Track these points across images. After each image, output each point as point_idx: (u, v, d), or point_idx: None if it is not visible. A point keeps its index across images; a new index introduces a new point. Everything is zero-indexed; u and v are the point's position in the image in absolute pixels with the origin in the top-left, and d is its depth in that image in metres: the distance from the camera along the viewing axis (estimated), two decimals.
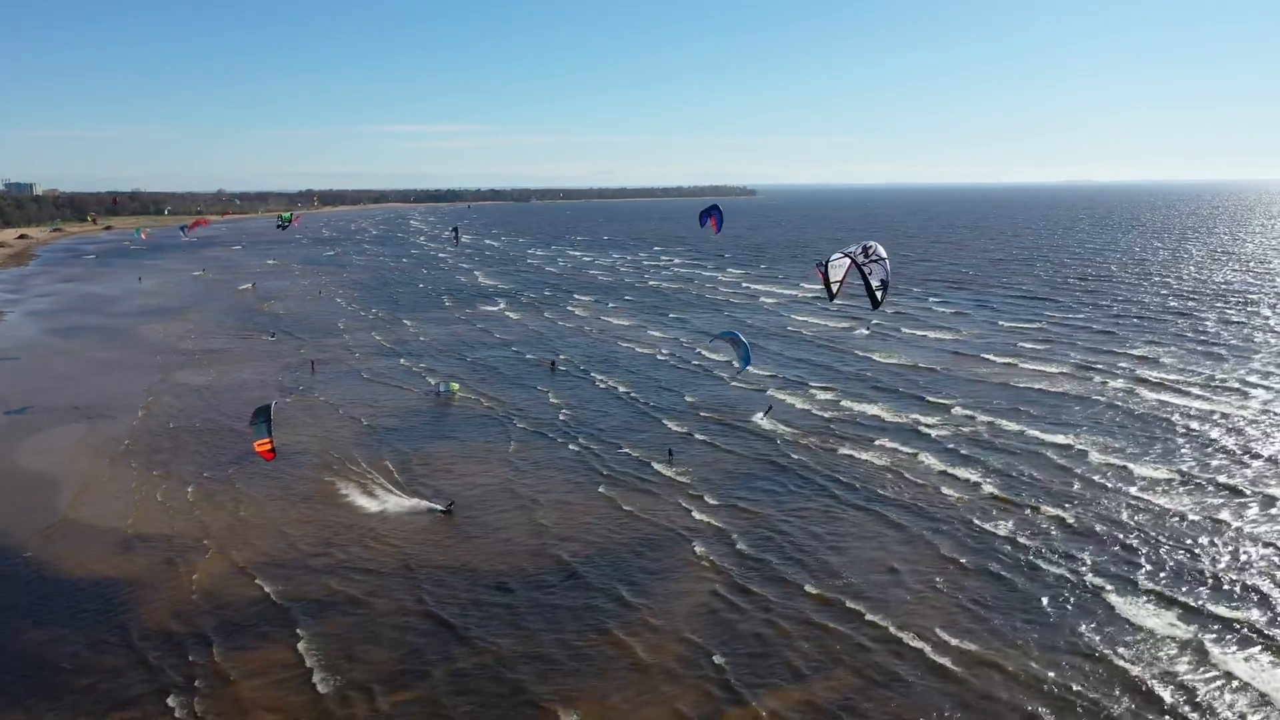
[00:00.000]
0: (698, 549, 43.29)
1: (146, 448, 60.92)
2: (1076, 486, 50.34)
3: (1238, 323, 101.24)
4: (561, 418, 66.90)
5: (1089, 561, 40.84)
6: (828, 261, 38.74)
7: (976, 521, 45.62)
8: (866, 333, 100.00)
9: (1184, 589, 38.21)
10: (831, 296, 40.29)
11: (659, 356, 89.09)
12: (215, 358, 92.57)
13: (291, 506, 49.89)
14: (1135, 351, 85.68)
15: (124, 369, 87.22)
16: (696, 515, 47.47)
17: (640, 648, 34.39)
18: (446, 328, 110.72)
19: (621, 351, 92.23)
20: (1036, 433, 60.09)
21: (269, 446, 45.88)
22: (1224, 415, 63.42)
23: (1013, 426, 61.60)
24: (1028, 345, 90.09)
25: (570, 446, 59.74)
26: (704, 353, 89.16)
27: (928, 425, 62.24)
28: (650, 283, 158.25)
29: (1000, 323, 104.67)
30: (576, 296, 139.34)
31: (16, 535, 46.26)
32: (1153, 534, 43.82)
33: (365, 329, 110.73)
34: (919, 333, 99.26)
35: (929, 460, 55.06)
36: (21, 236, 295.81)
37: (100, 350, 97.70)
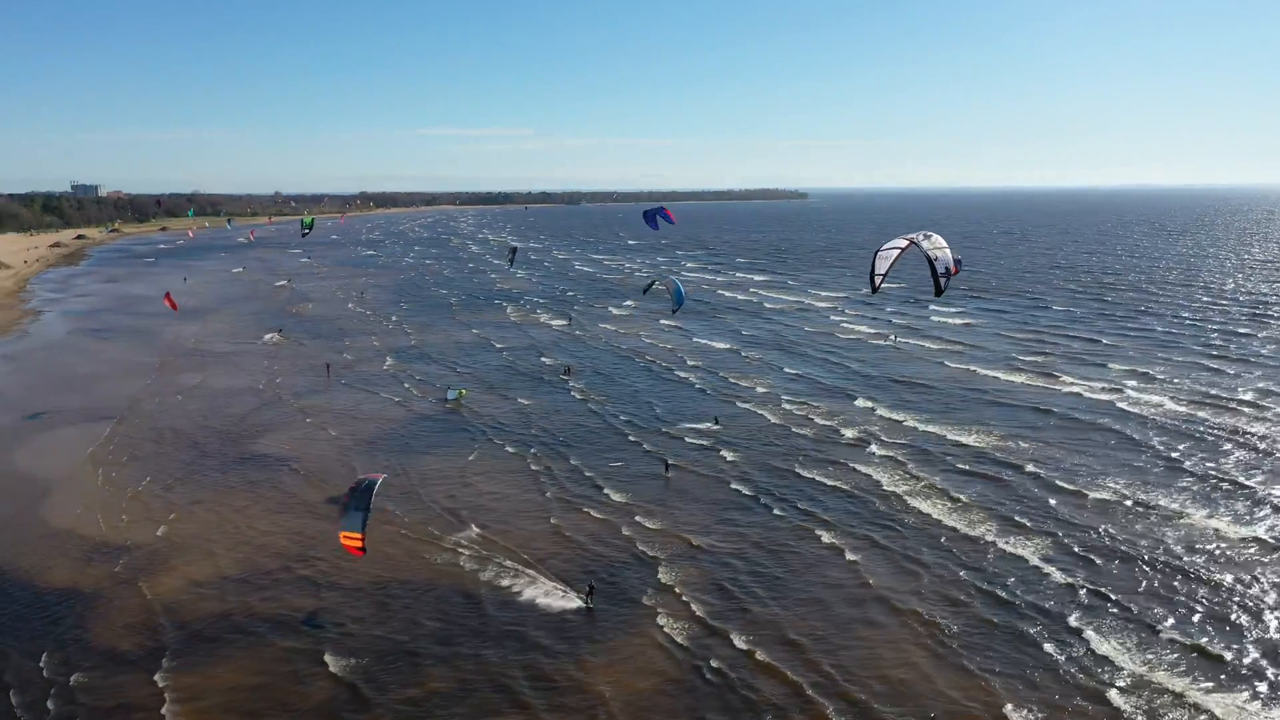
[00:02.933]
0: (663, 576, 40.53)
1: (138, 452, 59.92)
2: (1090, 517, 46.56)
3: None
4: (562, 425, 64.69)
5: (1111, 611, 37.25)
6: (876, 252, 36.66)
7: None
8: (891, 339, 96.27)
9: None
10: (874, 289, 38.03)
11: (671, 362, 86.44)
12: (233, 361, 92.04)
13: (269, 518, 48.16)
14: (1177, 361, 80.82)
15: (138, 372, 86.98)
16: (670, 540, 44.71)
17: (575, 699, 31.87)
18: (470, 331, 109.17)
19: (637, 356, 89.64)
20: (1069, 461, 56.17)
21: (359, 544, 34.34)
22: None
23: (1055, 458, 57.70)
24: (1078, 361, 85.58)
25: (571, 452, 57.49)
26: (746, 354, 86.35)
27: (945, 440, 58.72)
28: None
29: (1044, 333, 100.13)
30: (605, 301, 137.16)
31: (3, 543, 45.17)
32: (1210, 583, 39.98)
33: (388, 332, 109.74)
34: (934, 343, 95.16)
35: (946, 481, 51.59)
36: (79, 237, 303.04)
37: (120, 352, 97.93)
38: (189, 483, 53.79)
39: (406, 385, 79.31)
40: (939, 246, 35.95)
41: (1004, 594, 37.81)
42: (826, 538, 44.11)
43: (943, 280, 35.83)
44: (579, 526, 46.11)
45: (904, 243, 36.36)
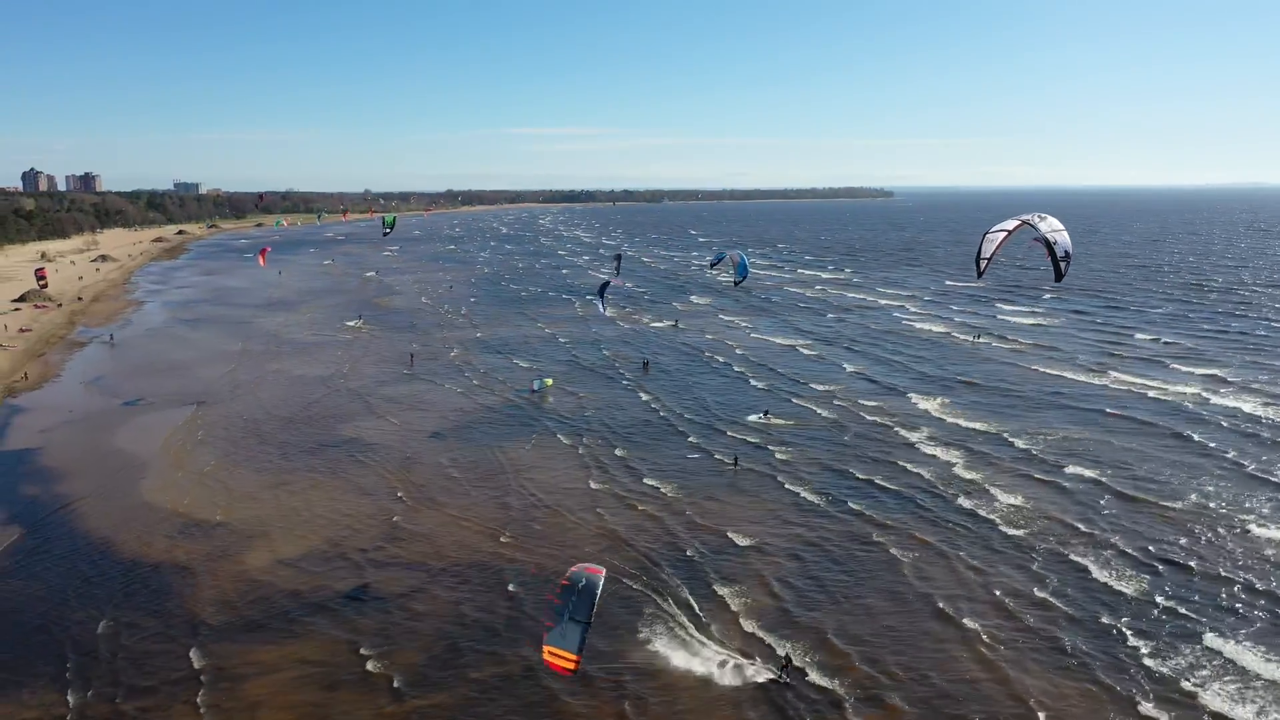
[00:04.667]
0: (750, 560, 39.79)
1: (230, 436, 61.65)
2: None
3: None
4: (643, 417, 64.44)
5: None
6: (984, 235, 35.45)
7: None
8: (974, 340, 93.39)
9: None
10: (980, 273, 36.81)
11: (752, 357, 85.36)
12: (316, 350, 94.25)
13: (350, 501, 48.94)
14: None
15: (227, 359, 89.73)
16: (770, 522, 43.94)
17: (698, 665, 31.70)
18: (550, 325, 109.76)
19: (707, 352, 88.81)
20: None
21: (572, 665, 25.44)
22: None
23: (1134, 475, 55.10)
24: (1168, 366, 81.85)
25: (647, 445, 57.16)
26: (801, 351, 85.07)
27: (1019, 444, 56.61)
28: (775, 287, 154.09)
29: (1122, 334, 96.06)
30: (689, 296, 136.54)
31: (94, 515, 46.95)
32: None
33: (470, 324, 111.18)
34: (1010, 342, 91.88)
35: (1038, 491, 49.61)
36: (180, 232, 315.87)
37: (217, 340, 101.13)
38: (277, 465, 55.09)
39: (488, 374, 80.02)
40: (1056, 229, 34.17)
41: (1063, 602, 36.18)
42: (885, 537, 42.81)
43: (1063, 264, 34.10)
44: (641, 519, 45.71)
45: (1014, 224, 34.80)
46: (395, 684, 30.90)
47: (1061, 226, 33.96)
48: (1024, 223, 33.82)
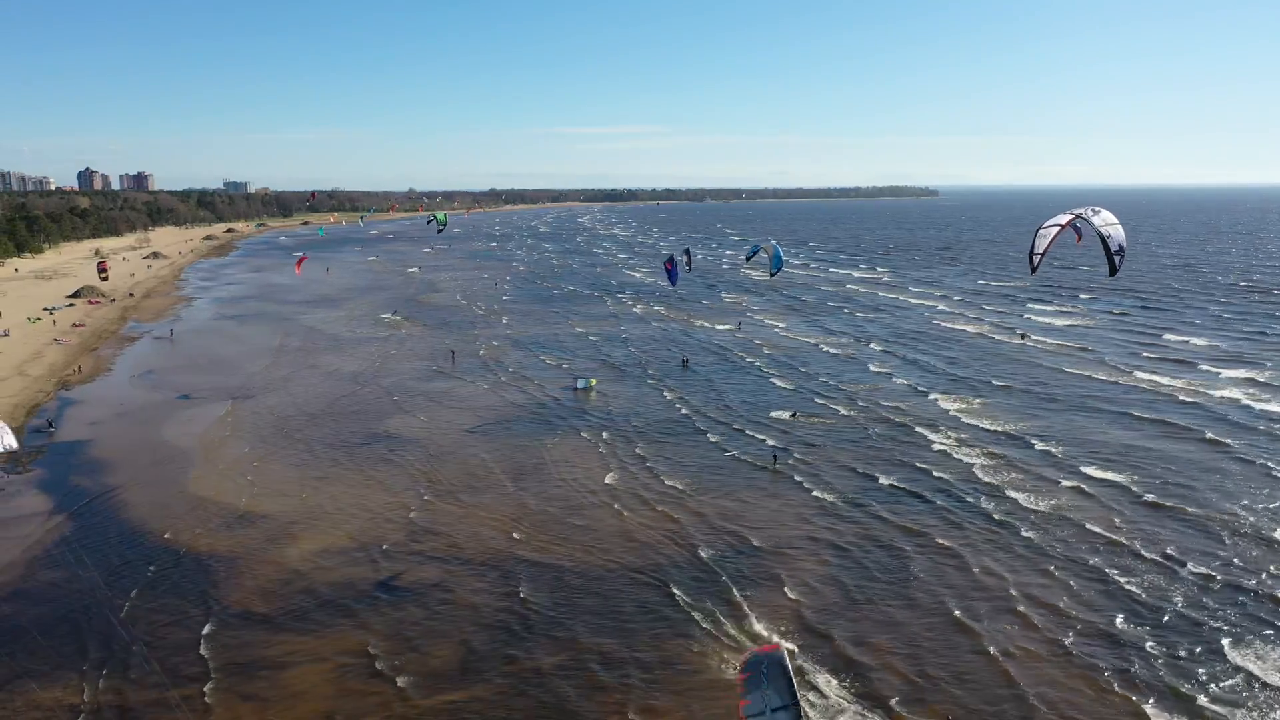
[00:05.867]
0: (798, 563, 39.40)
1: (265, 430, 62.42)
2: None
3: None
4: (683, 413, 64.28)
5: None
6: (1037, 230, 34.81)
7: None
8: (1022, 338, 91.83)
9: None
10: (1033, 269, 36.15)
11: (760, 357, 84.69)
12: (356, 346, 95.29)
13: (400, 493, 49.28)
14: None
15: (269, 354, 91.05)
16: (803, 524, 43.49)
17: (716, 664, 31.50)
18: (593, 323, 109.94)
19: (747, 351, 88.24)
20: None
21: None
22: None
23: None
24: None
25: (684, 443, 56.98)
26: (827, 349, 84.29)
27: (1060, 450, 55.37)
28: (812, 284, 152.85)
29: (1195, 342, 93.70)
30: (721, 293, 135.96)
31: (143, 507, 47.77)
32: None
33: (511, 322, 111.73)
34: (1047, 342, 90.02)
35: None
36: (229, 230, 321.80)
37: (261, 336, 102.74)
38: (308, 460, 55.69)
39: (526, 372, 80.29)
40: (1109, 223, 33.31)
41: (1096, 612, 35.28)
42: (909, 541, 42.13)
43: (1117, 259, 33.23)
44: (672, 519, 45.52)
45: (1066, 218, 33.97)
46: (411, 681, 30.87)
47: (1115, 220, 33.04)
48: (1077, 216, 32.98)
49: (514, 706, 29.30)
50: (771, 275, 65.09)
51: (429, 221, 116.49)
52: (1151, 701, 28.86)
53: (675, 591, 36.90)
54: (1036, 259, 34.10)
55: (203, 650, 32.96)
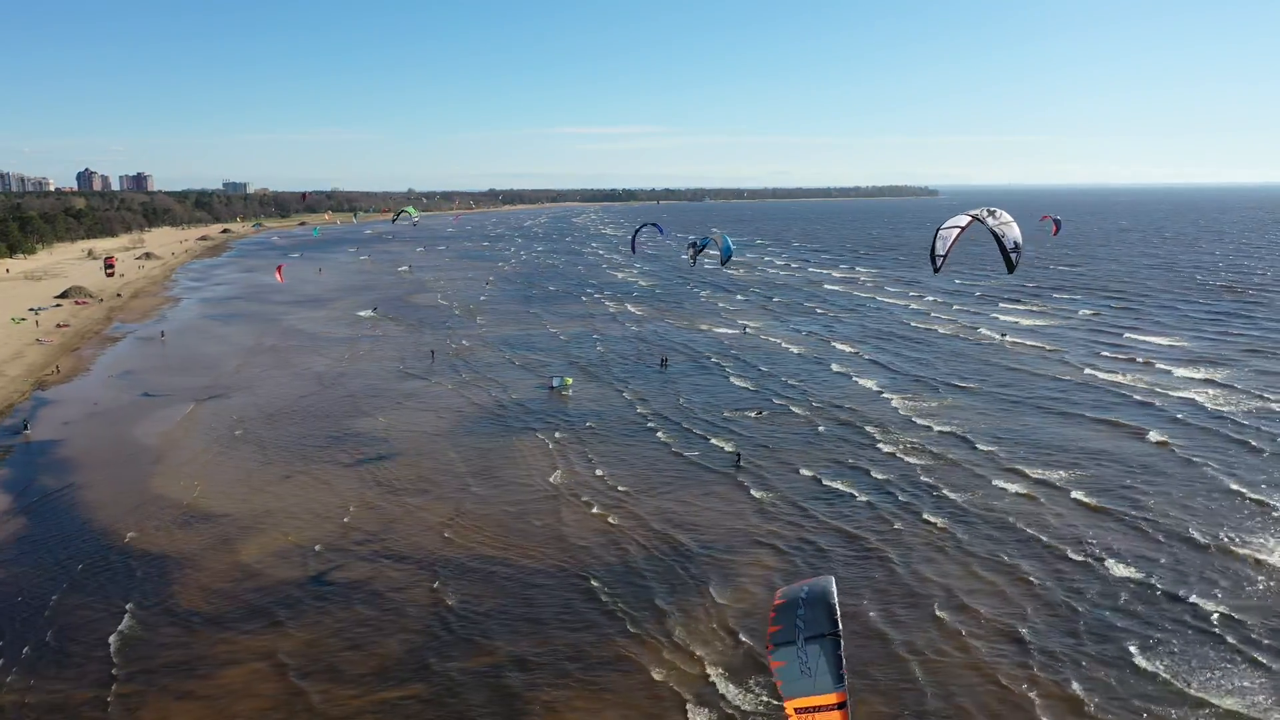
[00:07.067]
0: (749, 562, 40.30)
1: (238, 427, 63.07)
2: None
3: None
4: (651, 413, 65.22)
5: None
6: (937, 231, 35.78)
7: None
8: (1002, 337, 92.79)
9: None
10: (936, 269, 37.08)
11: (765, 354, 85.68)
12: (334, 345, 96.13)
13: (345, 494, 49.83)
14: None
15: (247, 353, 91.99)
16: (758, 523, 44.48)
17: (656, 668, 31.91)
18: (573, 322, 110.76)
19: (724, 349, 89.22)
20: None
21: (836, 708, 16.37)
22: None
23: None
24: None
25: (649, 444, 57.92)
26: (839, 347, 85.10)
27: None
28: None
29: (1114, 334, 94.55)
30: (700, 292, 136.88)
31: (94, 506, 48.51)
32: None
33: (492, 321, 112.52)
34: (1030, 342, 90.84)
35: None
36: (225, 230, 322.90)
37: (242, 336, 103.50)
38: (270, 459, 56.21)
39: (508, 373, 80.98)
40: (1004, 222, 34.39)
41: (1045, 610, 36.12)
42: (855, 541, 43.01)
43: (1014, 256, 34.36)
44: (633, 516, 46.20)
45: (966, 220, 35.07)
46: (367, 674, 31.43)
47: (1011, 219, 34.14)
48: (975, 218, 34.03)
49: (442, 707, 29.77)
50: (723, 264, 67.30)
51: (395, 219, 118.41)
52: (1047, 703, 29.61)
53: (603, 594, 37.36)
54: (939, 260, 35.09)
55: (129, 649, 33.38)
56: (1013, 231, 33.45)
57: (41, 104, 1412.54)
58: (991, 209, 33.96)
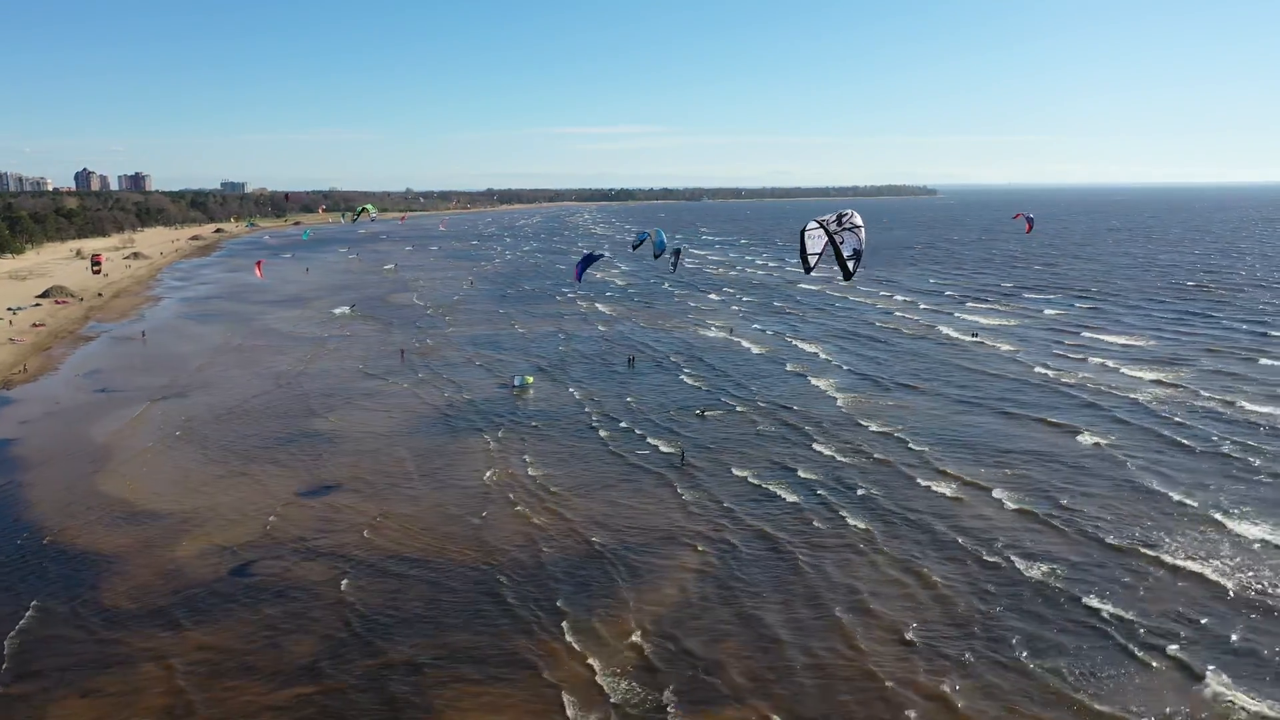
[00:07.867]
0: (665, 563, 40.83)
1: (183, 429, 63.33)
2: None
3: None
4: (604, 412, 65.73)
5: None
6: (803, 231, 35.95)
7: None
8: (975, 337, 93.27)
9: None
10: (808, 269, 37.30)
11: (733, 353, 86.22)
12: (303, 345, 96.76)
13: (295, 492, 50.33)
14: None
15: (216, 353, 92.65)
16: (683, 524, 45.05)
17: (549, 670, 32.29)
18: (547, 322, 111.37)
19: (703, 349, 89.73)
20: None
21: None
22: None
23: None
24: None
25: (591, 443, 58.48)
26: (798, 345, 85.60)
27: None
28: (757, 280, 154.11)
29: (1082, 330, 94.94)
30: (677, 294, 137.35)
31: (32, 503, 49.04)
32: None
33: (465, 320, 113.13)
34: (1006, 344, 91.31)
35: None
36: (218, 230, 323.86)
37: (215, 335, 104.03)
38: (222, 457, 56.76)
39: (474, 372, 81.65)
40: (848, 229, 34.22)
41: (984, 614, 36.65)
42: (791, 542, 43.49)
43: (851, 264, 34.40)
44: (571, 514, 46.72)
45: (816, 226, 35.26)
46: (265, 676, 31.82)
47: (860, 224, 34.28)
48: (822, 226, 34.16)
49: (332, 711, 30.09)
50: (655, 257, 70.80)
51: (354, 216, 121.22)
52: (925, 704, 30.17)
53: (510, 596, 37.76)
54: (812, 258, 35.17)
55: (27, 650, 33.71)
56: (853, 239, 33.49)
57: (41, 104, 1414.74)
58: (841, 215, 34.04)
